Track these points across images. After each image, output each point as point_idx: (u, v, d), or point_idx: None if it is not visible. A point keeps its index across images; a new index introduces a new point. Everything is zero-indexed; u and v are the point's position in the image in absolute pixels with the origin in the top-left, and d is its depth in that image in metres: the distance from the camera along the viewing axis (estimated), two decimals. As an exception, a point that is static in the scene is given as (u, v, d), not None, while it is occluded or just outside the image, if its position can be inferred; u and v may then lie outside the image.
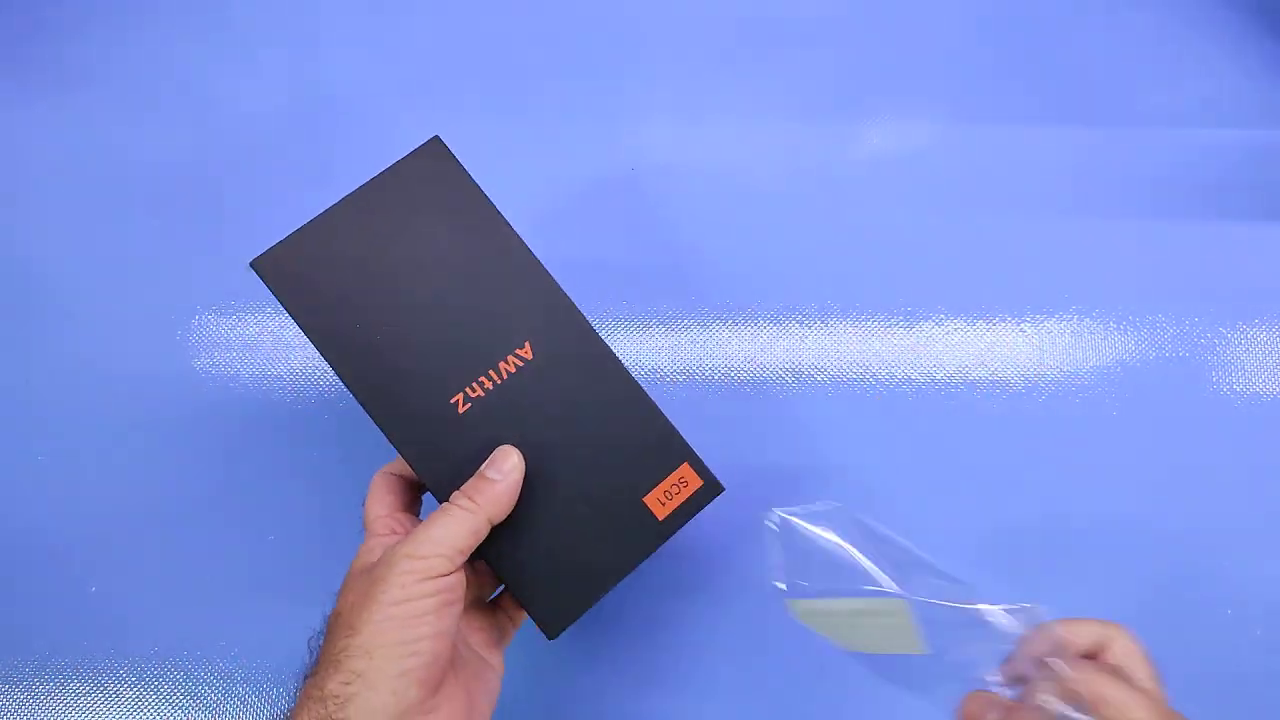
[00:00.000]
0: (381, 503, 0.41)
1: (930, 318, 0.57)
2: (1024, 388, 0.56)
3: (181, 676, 0.50)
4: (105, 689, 0.50)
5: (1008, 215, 0.59)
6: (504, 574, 0.40)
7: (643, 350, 0.57)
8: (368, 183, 0.42)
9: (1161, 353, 0.57)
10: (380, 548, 0.38)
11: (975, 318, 0.57)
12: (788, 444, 0.54)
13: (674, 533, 0.40)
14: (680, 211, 0.60)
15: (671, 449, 0.41)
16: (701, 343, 0.57)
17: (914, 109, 0.63)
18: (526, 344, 0.41)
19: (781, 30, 0.65)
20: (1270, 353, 0.57)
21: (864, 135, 0.62)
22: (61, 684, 0.50)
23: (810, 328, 0.57)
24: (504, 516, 0.38)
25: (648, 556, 0.40)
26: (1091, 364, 0.57)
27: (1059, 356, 0.57)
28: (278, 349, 0.57)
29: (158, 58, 0.65)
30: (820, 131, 0.62)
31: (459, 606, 0.36)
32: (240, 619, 0.51)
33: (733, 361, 0.56)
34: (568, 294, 0.41)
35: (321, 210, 0.41)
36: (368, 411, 0.39)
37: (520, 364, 0.40)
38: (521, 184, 0.61)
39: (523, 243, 0.42)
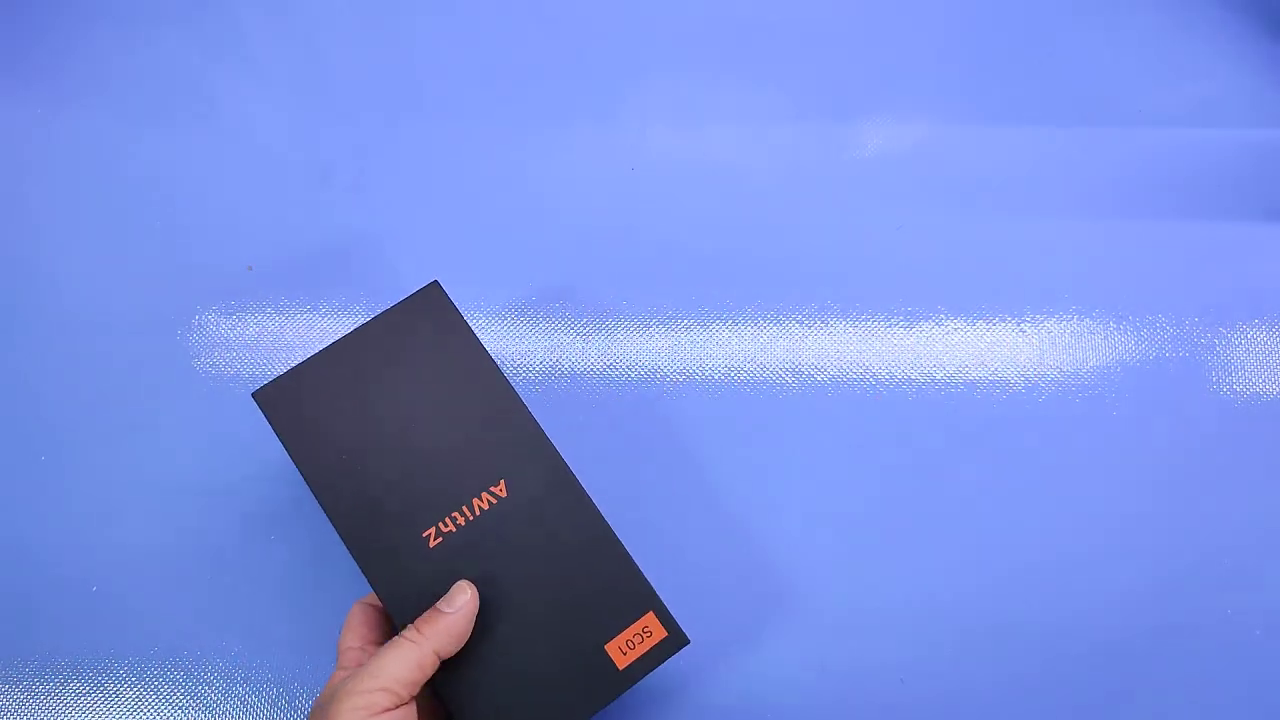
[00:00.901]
0: (355, 634, 0.41)
1: (930, 318, 0.57)
2: (1024, 388, 0.56)
3: (181, 676, 0.50)
4: (105, 689, 0.50)
5: (1007, 215, 0.59)
6: (452, 707, 0.39)
7: (643, 350, 0.57)
8: (368, 323, 0.45)
9: (1161, 353, 0.57)
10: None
11: (975, 318, 0.57)
12: (787, 444, 0.54)
13: (634, 683, 0.40)
14: (680, 211, 0.60)
15: (638, 597, 0.41)
16: (701, 343, 0.57)
17: (913, 109, 0.63)
18: (501, 482, 0.42)
19: (781, 31, 0.65)
20: (1270, 353, 0.57)
21: (863, 135, 0.62)
22: (61, 684, 0.50)
23: (810, 328, 0.57)
24: (453, 650, 0.38)
25: (604, 706, 0.40)
26: (1091, 364, 0.57)
27: (1059, 356, 0.57)
28: (278, 349, 0.57)
29: (161, 61, 0.65)
30: (820, 132, 0.62)
31: None
32: (240, 619, 0.51)
33: (733, 361, 0.56)
34: (548, 437, 0.43)
35: (321, 349, 0.44)
36: (344, 542, 0.41)
37: (493, 501, 0.42)
38: (521, 184, 0.61)
39: (507, 383, 0.44)
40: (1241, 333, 0.57)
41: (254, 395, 0.43)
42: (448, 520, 0.41)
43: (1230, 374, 0.56)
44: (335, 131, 0.63)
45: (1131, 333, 0.57)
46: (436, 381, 0.43)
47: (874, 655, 0.50)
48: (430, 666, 0.37)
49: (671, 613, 0.41)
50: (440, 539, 0.41)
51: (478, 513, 0.41)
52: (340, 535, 0.41)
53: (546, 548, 0.41)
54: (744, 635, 0.50)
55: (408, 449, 0.42)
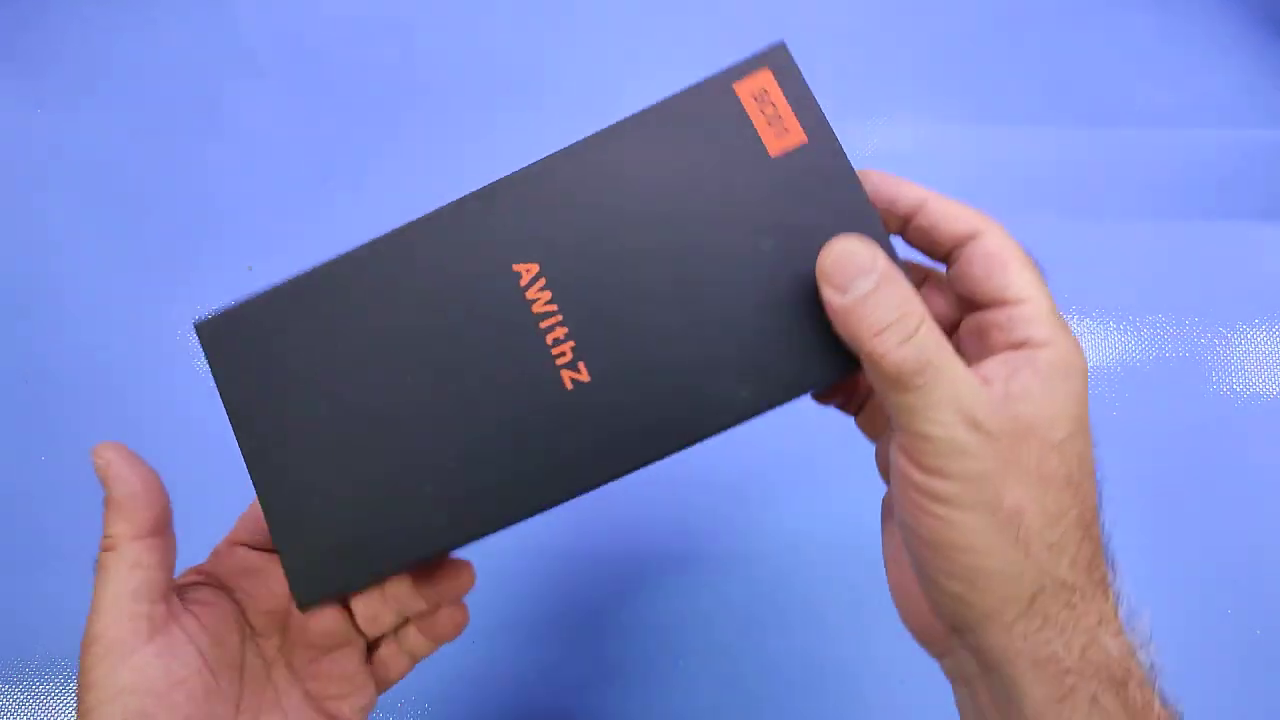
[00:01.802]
0: (248, 524, 0.34)
1: (930, 318, 0.57)
2: (1024, 388, 0.56)
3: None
4: (105, 689, 0.50)
5: (1007, 215, 0.59)
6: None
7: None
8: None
9: (1161, 353, 0.57)
10: None
11: (975, 318, 0.57)
12: (787, 444, 0.54)
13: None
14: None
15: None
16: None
17: (913, 109, 0.63)
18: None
19: (781, 31, 0.65)
20: (1270, 353, 0.57)
21: (863, 136, 0.62)
22: (62, 684, 0.50)
23: (810, 328, 0.57)
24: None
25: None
26: (1091, 364, 0.56)
27: (1059, 356, 0.57)
28: (278, 349, 0.57)
29: (162, 61, 0.65)
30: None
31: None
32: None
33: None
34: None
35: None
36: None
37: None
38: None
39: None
40: (1241, 333, 0.57)
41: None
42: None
43: (1230, 374, 0.56)
44: (335, 131, 0.63)
45: (1131, 333, 0.57)
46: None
47: (874, 654, 0.50)
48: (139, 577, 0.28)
49: None
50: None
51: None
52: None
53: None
54: (740, 636, 0.50)
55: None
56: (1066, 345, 0.26)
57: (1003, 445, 0.23)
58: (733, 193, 0.27)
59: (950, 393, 0.23)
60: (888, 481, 0.31)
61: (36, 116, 0.63)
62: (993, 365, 0.25)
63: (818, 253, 0.26)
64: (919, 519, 0.24)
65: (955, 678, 0.27)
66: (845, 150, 0.28)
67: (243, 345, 0.31)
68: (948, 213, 0.28)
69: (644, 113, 0.28)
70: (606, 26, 0.66)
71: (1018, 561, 0.23)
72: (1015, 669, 0.24)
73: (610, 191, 0.28)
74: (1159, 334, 0.57)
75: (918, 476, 0.24)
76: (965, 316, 0.28)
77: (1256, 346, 0.57)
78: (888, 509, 0.31)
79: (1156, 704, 0.25)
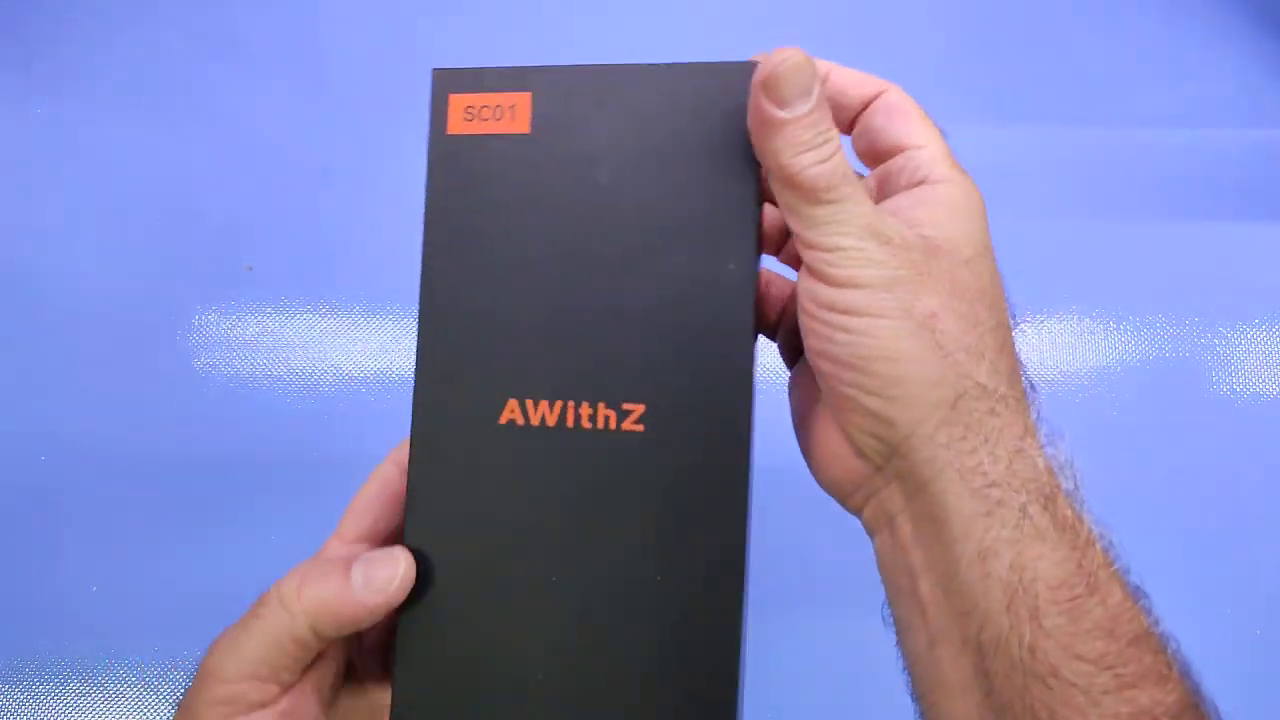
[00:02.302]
0: (358, 517, 0.31)
1: (930, 318, 0.57)
2: (1024, 388, 0.56)
3: (182, 676, 0.50)
4: (105, 689, 0.50)
5: (1007, 215, 0.59)
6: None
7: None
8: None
9: (1161, 353, 0.57)
10: (295, 588, 0.28)
11: (975, 318, 0.57)
12: (787, 444, 0.54)
13: None
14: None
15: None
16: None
17: (914, 109, 0.63)
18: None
19: (781, 31, 0.65)
20: (1270, 353, 0.57)
21: (864, 135, 0.62)
22: (61, 684, 0.50)
23: (810, 328, 0.57)
24: (344, 632, 0.27)
25: None
26: (1091, 364, 0.56)
27: (1059, 356, 0.57)
28: (278, 349, 0.57)
29: (162, 60, 0.65)
30: (820, 131, 0.62)
31: None
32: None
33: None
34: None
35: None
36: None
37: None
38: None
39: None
40: (1241, 333, 0.57)
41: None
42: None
43: (1230, 374, 0.56)
44: (335, 131, 0.62)
45: (1131, 333, 0.57)
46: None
47: (873, 653, 0.50)
48: (305, 646, 0.26)
49: None
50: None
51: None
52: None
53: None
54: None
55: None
56: (964, 181, 0.27)
57: (914, 256, 0.24)
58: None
59: (859, 211, 0.24)
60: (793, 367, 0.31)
61: (36, 116, 0.63)
62: (897, 200, 0.26)
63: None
64: (833, 337, 0.24)
65: (877, 524, 0.27)
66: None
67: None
68: (851, 78, 0.29)
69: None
70: (607, 27, 0.66)
71: (936, 364, 0.23)
72: (941, 482, 0.23)
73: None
74: (1159, 334, 0.57)
75: (829, 293, 0.24)
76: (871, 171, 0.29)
77: (1256, 346, 0.57)
78: (794, 383, 0.30)
79: (1086, 520, 0.24)
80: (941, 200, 0.26)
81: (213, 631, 0.51)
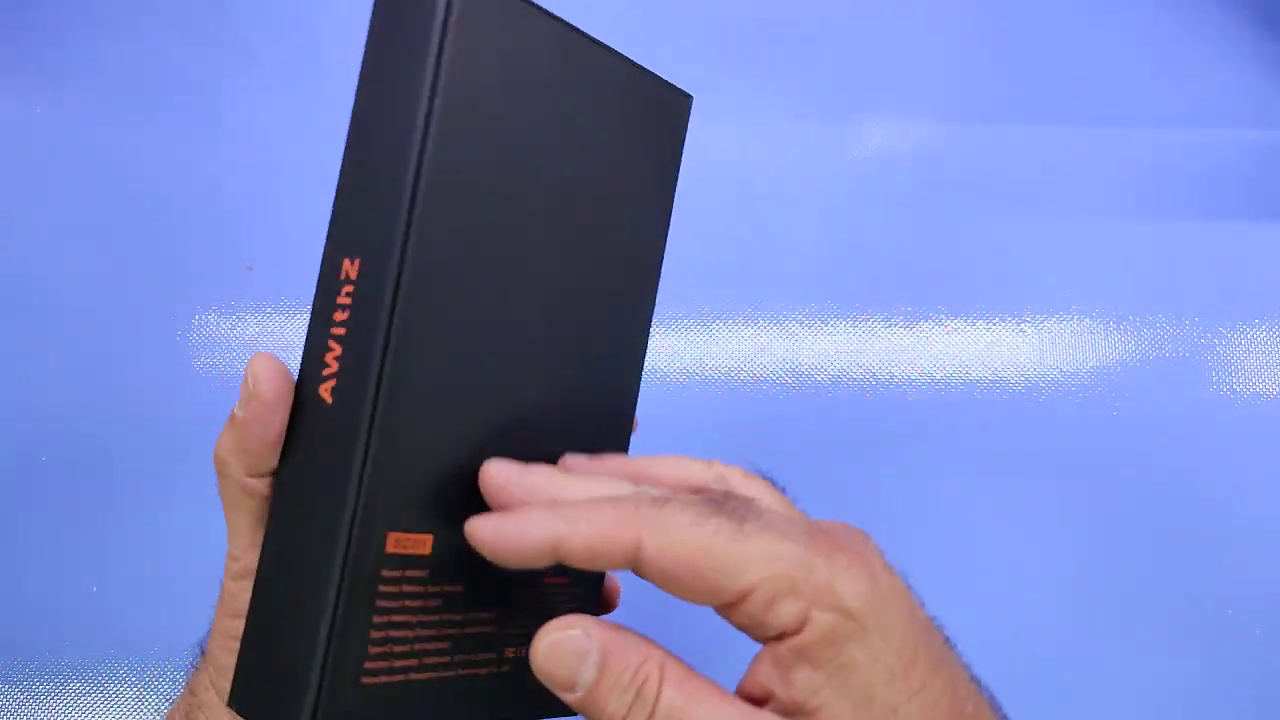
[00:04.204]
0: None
1: (930, 318, 0.57)
2: (1024, 388, 0.56)
3: (182, 676, 0.50)
4: (105, 689, 0.50)
5: (1007, 215, 0.59)
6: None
7: (643, 350, 0.57)
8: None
9: (1161, 353, 0.57)
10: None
11: (975, 318, 0.57)
12: (787, 445, 0.54)
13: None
14: (680, 211, 0.60)
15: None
16: (701, 343, 0.57)
17: (913, 109, 0.63)
18: None
19: (781, 30, 0.65)
20: (1270, 353, 0.57)
21: (864, 135, 0.62)
22: (61, 684, 0.50)
23: (810, 328, 0.57)
24: (256, 458, 0.25)
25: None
26: (1091, 364, 0.57)
27: (1059, 356, 0.57)
28: (278, 349, 0.57)
29: (162, 61, 0.65)
30: (820, 131, 0.62)
31: None
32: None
33: (733, 361, 0.56)
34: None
35: None
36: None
37: None
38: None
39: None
40: (1241, 333, 0.57)
41: None
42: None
43: (1230, 374, 0.56)
44: (335, 131, 0.62)
45: (1131, 333, 0.57)
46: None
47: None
48: (253, 492, 0.26)
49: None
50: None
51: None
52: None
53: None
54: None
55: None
56: (827, 600, 0.20)
57: None
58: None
59: None
60: None
61: (35, 116, 0.63)
62: (763, 669, 0.22)
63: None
64: None
65: None
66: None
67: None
68: (588, 546, 0.21)
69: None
70: (607, 25, 0.66)
71: None
72: None
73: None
74: (1159, 334, 0.57)
75: None
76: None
77: (1256, 346, 0.57)
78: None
79: None
80: (812, 657, 0.21)
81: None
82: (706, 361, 0.56)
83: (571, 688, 0.21)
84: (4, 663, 0.51)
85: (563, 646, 0.21)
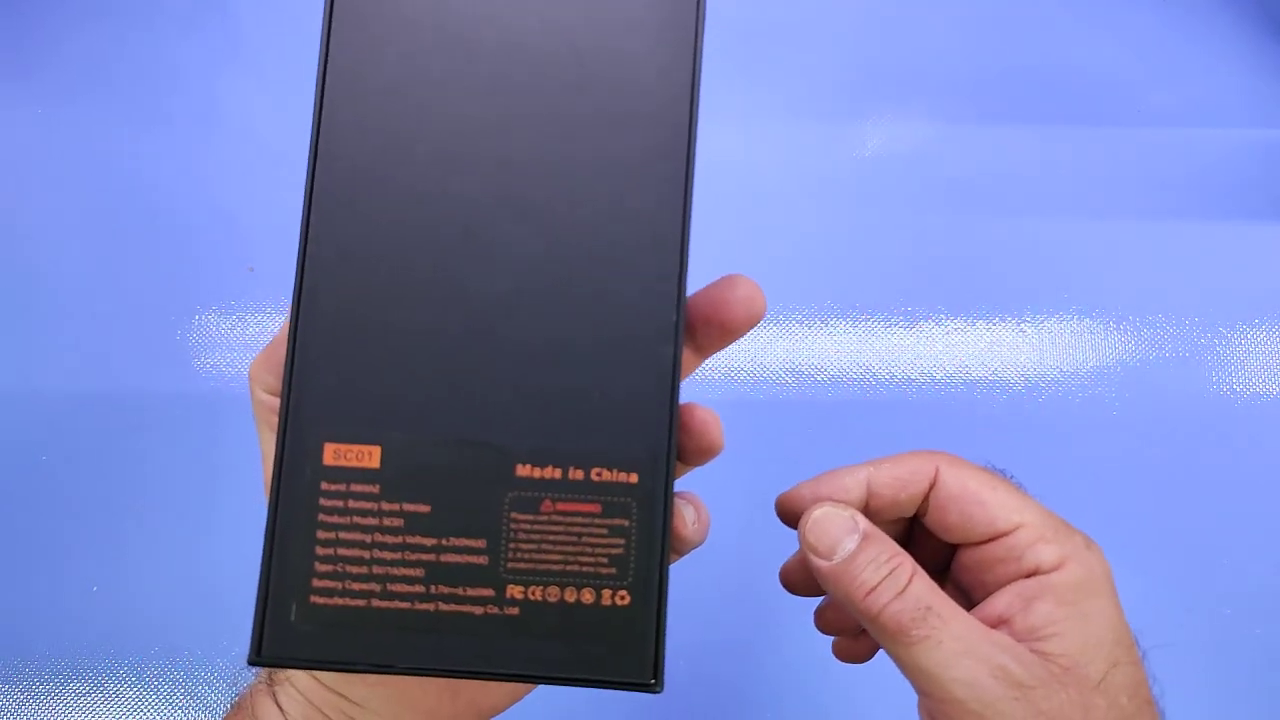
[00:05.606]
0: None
1: (930, 318, 0.57)
2: (1024, 388, 0.56)
3: (181, 676, 0.50)
4: (105, 689, 0.50)
5: (1007, 215, 0.59)
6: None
7: (643, 350, 0.57)
8: None
9: (1161, 353, 0.57)
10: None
11: (975, 318, 0.57)
12: (787, 444, 0.54)
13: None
14: (680, 211, 0.60)
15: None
16: (701, 343, 0.57)
17: (914, 109, 0.63)
18: None
19: (782, 30, 0.65)
20: (1270, 353, 0.57)
21: (864, 135, 0.62)
22: (61, 684, 0.50)
23: (810, 328, 0.57)
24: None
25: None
26: (1091, 364, 0.57)
27: (1059, 356, 0.57)
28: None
29: (161, 60, 0.65)
30: (820, 131, 0.62)
31: None
32: (240, 619, 0.51)
33: (733, 361, 0.56)
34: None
35: None
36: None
37: None
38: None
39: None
40: (1241, 333, 0.57)
41: None
42: None
43: (1230, 374, 0.56)
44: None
45: (1131, 333, 0.57)
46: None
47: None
48: (269, 414, 0.26)
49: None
50: None
51: None
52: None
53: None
54: (734, 639, 0.50)
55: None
56: (1082, 559, 0.24)
57: (1037, 695, 0.21)
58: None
59: (960, 648, 0.21)
60: None
61: (35, 116, 0.63)
62: (1004, 599, 0.23)
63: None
64: None
65: None
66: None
67: None
68: (895, 477, 0.26)
69: None
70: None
71: None
72: None
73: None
74: (1159, 334, 0.57)
75: None
76: (958, 552, 0.26)
77: (1256, 346, 0.57)
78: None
79: None
80: (1060, 595, 0.23)
81: (213, 631, 0.51)
82: (706, 361, 0.56)
83: (830, 555, 0.24)
84: (4, 663, 0.51)
85: (833, 517, 0.24)
